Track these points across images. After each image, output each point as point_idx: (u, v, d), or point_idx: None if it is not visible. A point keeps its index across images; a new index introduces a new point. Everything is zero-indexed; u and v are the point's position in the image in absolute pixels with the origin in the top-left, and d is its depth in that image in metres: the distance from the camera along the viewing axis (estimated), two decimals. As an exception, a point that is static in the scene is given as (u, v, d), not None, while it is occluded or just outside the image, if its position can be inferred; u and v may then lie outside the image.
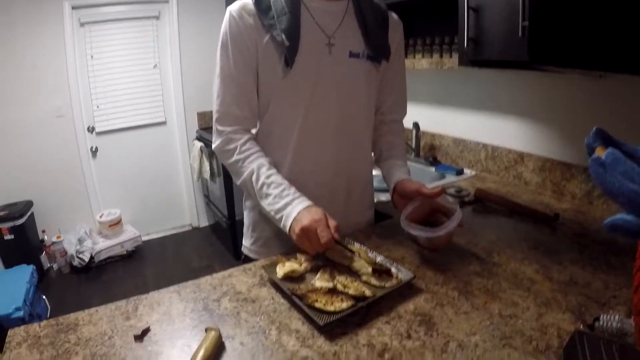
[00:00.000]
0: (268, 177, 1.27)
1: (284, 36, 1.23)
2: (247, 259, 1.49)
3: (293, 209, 1.20)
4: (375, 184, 1.64)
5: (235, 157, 1.30)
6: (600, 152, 0.81)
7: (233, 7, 1.28)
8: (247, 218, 1.54)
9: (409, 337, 0.95)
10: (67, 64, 3.96)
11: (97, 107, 4.20)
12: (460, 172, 2.23)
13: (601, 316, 0.91)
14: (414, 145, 2.58)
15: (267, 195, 1.26)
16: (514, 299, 1.08)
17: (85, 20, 4.02)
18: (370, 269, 1.14)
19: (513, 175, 2.08)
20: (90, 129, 4.23)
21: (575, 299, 1.07)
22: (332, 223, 1.17)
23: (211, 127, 1.38)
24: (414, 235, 1.24)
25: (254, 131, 1.40)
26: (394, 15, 1.46)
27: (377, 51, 1.38)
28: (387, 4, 1.47)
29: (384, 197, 1.60)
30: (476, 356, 0.90)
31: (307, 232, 1.14)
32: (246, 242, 1.55)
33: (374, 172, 1.59)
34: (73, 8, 3.92)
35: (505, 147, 2.11)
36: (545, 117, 1.96)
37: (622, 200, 0.67)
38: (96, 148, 4.29)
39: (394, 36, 1.44)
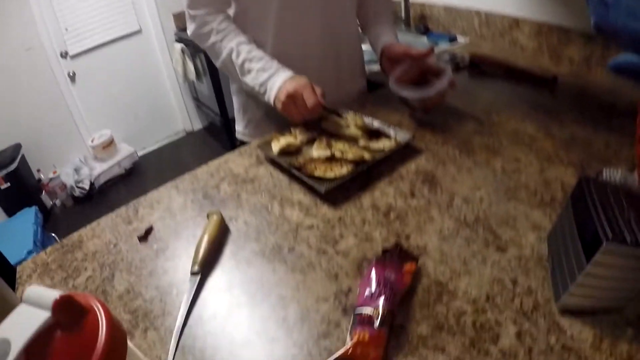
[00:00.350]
0: (249, 52, 1.22)
1: None
2: (242, 144, 1.45)
3: (277, 78, 1.17)
4: (366, 57, 1.56)
5: (212, 39, 1.24)
6: None
7: None
8: (236, 102, 1.50)
9: (413, 196, 0.94)
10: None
11: (66, 29, 3.93)
12: (453, 39, 2.13)
13: (604, 170, 0.90)
14: (403, 16, 2.45)
15: (250, 70, 1.21)
16: (516, 155, 1.06)
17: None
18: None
19: (508, 41, 2.00)
20: (64, 54, 3.99)
21: (577, 155, 1.05)
22: (317, 89, 1.13)
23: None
24: (404, 97, 1.20)
25: (229, 12, 1.31)
26: None
27: None
28: None
29: (376, 67, 1.53)
30: (482, 210, 0.88)
31: (294, 97, 1.12)
32: (239, 127, 1.51)
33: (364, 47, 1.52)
34: None
35: (499, 12, 2.01)
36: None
37: (626, 40, 0.62)
38: (73, 73, 4.08)
39: None
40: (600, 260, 0.58)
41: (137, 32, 4.29)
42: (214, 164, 1.19)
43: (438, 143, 1.13)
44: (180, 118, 4.83)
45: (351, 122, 1.18)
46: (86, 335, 0.40)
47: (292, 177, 1.04)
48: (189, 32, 1.30)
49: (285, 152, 1.10)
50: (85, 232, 1.01)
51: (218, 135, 4.31)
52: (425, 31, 2.30)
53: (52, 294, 0.39)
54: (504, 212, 0.87)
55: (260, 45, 1.28)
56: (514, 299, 0.69)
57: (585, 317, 0.65)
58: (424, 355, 0.62)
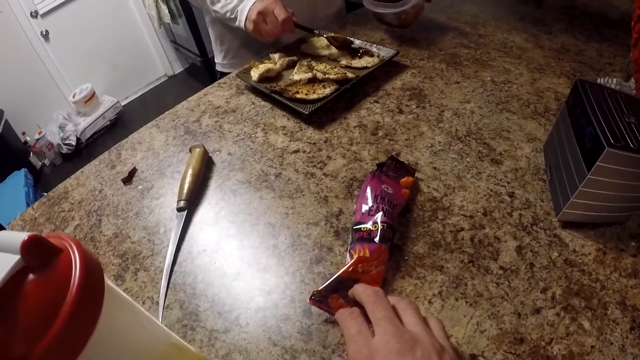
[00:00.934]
0: None
1: None
2: (223, 75, 1.40)
3: (247, 2, 1.12)
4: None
5: None
6: None
7: None
8: (212, 34, 1.44)
9: (400, 112, 0.90)
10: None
11: None
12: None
13: (599, 79, 0.87)
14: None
15: None
16: (505, 66, 1.02)
17: None
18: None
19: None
20: (34, 14, 3.82)
21: (569, 65, 1.02)
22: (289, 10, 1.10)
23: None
24: (380, 13, 1.16)
25: None
26: None
27: None
28: None
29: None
30: (474, 122, 0.85)
31: (264, 14, 1.08)
32: (217, 59, 1.47)
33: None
34: None
35: None
36: None
37: None
38: (46, 31, 3.93)
39: None
40: (602, 166, 0.55)
41: (107, -19, 4.12)
42: (193, 98, 1.14)
43: (424, 58, 1.08)
44: (160, 63, 4.70)
45: (331, 42, 1.12)
46: (59, 276, 0.37)
47: (275, 102, 1.00)
48: None
49: (266, 78, 1.05)
50: (70, 182, 0.98)
51: (200, 76, 4.21)
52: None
53: (20, 236, 0.35)
54: (496, 124, 0.84)
55: None
56: (512, 213, 0.67)
57: (588, 230, 0.63)
58: (422, 275, 0.60)
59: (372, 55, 1.04)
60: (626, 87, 0.84)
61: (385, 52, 1.05)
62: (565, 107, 0.67)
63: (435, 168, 0.77)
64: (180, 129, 1.02)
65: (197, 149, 0.87)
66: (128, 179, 0.91)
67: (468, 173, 0.75)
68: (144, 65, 4.58)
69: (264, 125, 0.95)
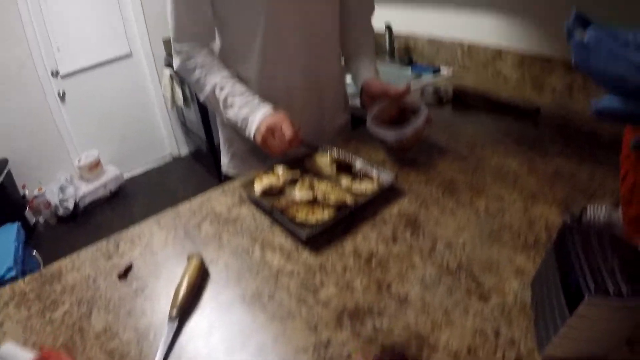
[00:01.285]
0: (232, 87, 1.23)
1: None
2: (228, 178, 1.46)
3: (257, 113, 1.18)
4: (350, 90, 1.57)
5: (197, 73, 1.25)
6: (582, 36, 0.75)
7: None
8: (221, 135, 1.50)
9: (395, 241, 0.93)
10: (19, 9, 3.66)
11: (58, 49, 3.94)
12: (437, 71, 2.15)
13: (588, 207, 0.89)
14: (387, 48, 2.47)
15: (232, 105, 1.22)
16: (500, 193, 1.06)
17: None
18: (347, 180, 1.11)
19: (491, 73, 2.01)
20: (55, 73, 3.99)
21: (562, 190, 1.05)
22: (295, 123, 1.14)
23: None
24: (381, 137, 1.21)
25: (214, 46, 1.33)
26: None
27: None
28: None
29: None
30: (465, 255, 0.88)
31: (272, 130, 1.14)
32: (224, 160, 1.52)
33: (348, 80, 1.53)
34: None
35: (482, 43, 2.03)
36: (521, 10, 1.86)
37: (609, 83, 0.62)
38: (64, 92, 4.08)
39: None
40: (583, 312, 0.57)
41: (128, 56, 4.29)
42: (197, 201, 1.18)
43: (421, 183, 1.12)
44: (168, 143, 4.80)
45: (333, 161, 1.17)
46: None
47: (275, 219, 1.03)
48: (175, 65, 1.31)
49: (268, 192, 1.09)
50: (65, 263, 1.00)
51: (204, 161, 4.28)
52: (410, 63, 2.32)
53: (27, 356, 0.38)
54: (487, 257, 0.87)
55: (245, 80, 1.29)
56: (496, 351, 0.68)
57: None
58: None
59: (372, 179, 1.09)
60: (615, 215, 0.87)
61: (385, 177, 1.09)
62: (552, 248, 0.71)
63: (424, 302, 0.78)
64: (180, 231, 1.05)
65: (195, 260, 0.89)
66: (124, 275, 0.93)
67: (456, 309, 0.76)
68: (152, 143, 4.67)
69: (262, 241, 0.98)
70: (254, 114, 1.19)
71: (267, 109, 1.19)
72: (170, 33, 1.27)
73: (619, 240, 0.65)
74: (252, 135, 1.19)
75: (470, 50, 2.09)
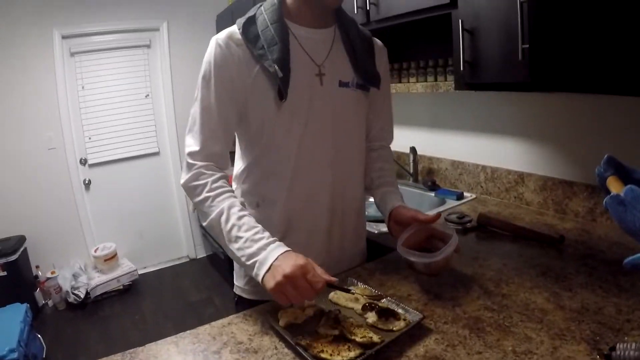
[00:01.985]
0: (239, 218, 1.14)
1: (276, 67, 1.18)
2: (241, 300, 1.44)
3: (269, 254, 1.07)
4: (371, 212, 1.60)
5: (204, 195, 1.18)
6: (615, 185, 0.78)
7: (220, 36, 1.23)
8: None
9: (421, 385, 0.91)
10: (57, 95, 3.94)
11: (89, 138, 4.16)
12: (460, 197, 2.20)
13: (617, 345, 0.88)
14: (411, 170, 2.55)
15: (238, 238, 1.12)
16: (527, 333, 1.03)
17: (76, 50, 4.02)
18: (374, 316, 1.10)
19: (514, 197, 2.05)
20: (83, 161, 4.19)
21: (589, 327, 1.03)
22: (318, 268, 1.05)
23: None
24: (411, 261, 1.22)
25: (241, 163, 1.37)
26: (378, 41, 1.45)
27: (367, 79, 1.35)
28: (381, 27, 1.45)
29: (383, 227, 1.57)
30: (494, 402, 0.86)
31: (293, 279, 1.00)
32: (239, 282, 1.48)
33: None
34: (63, 37, 3.92)
35: (505, 167, 2.09)
36: (543, 136, 1.93)
37: None
38: (89, 180, 4.24)
39: (380, 62, 1.42)
40: None
41: (155, 154, 4.49)
42: (217, 324, 1.16)
43: (447, 322, 1.10)
44: (185, 244, 4.85)
45: (360, 296, 1.17)
46: None
47: (298, 353, 1.00)
48: (182, 180, 1.24)
49: (292, 323, 1.08)
50: None
51: (220, 267, 4.28)
52: (433, 186, 2.37)
53: None
54: (515, 411, 0.85)
55: (272, 201, 1.31)
56: None
57: None
58: None
59: (398, 318, 1.07)
60: None
61: (412, 315, 1.09)
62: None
63: None
64: (198, 356, 1.03)
65: None
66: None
67: None
68: (170, 242, 4.74)
69: None
70: (264, 254, 1.07)
71: (281, 249, 1.08)
72: (186, 145, 1.24)
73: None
74: (260, 278, 1.06)
75: (493, 174, 2.14)
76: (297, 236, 1.32)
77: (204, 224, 1.21)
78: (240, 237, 1.12)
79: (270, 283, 1.03)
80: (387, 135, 1.57)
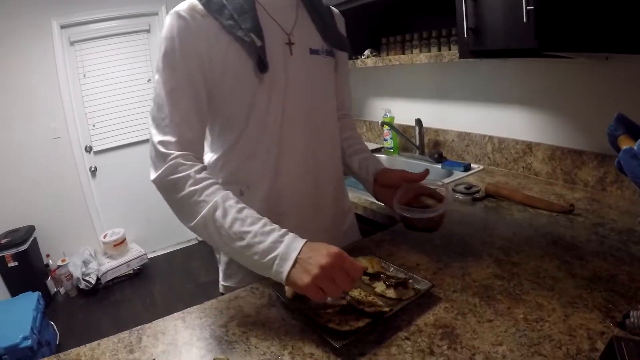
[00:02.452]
0: (239, 210, 1.01)
1: (253, 36, 1.09)
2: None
3: (289, 247, 0.95)
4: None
5: (188, 189, 1.02)
6: (627, 142, 0.75)
7: (180, 7, 1.10)
8: (218, 254, 1.43)
9: (431, 353, 0.89)
10: (59, 85, 3.94)
11: (93, 126, 4.18)
12: (467, 168, 2.17)
13: (630, 313, 0.87)
14: (417, 142, 2.51)
15: (244, 234, 0.97)
16: (538, 301, 1.02)
17: (75, 39, 4.01)
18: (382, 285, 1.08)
19: (522, 167, 2.02)
20: (88, 149, 4.21)
21: (601, 295, 1.01)
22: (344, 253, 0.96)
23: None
24: (411, 219, 1.22)
25: (222, 145, 1.25)
26: (335, 9, 1.40)
27: (337, 45, 1.31)
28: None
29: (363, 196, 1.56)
30: (504, 369, 0.84)
31: (330, 271, 0.90)
32: (228, 282, 1.37)
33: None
34: (62, 27, 3.92)
35: (512, 138, 2.06)
36: (551, 105, 1.90)
37: None
38: (95, 168, 4.27)
39: (341, 29, 1.38)
40: None
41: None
42: (224, 299, 1.15)
43: (457, 290, 1.09)
44: (194, 226, 4.86)
45: (368, 265, 1.15)
46: None
47: (306, 324, 1.00)
48: (152, 175, 1.08)
49: (300, 295, 1.05)
50: (84, 350, 0.97)
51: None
52: (439, 158, 2.35)
53: None
54: (528, 371, 0.83)
55: (257, 185, 1.23)
56: None
57: None
58: None
59: (406, 287, 1.06)
60: None
61: (421, 284, 1.07)
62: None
63: None
64: (206, 331, 1.02)
65: None
66: (145, 373, 0.88)
67: None
68: (178, 225, 4.65)
69: (292, 348, 0.94)
70: (281, 248, 0.95)
71: (301, 240, 0.97)
72: (153, 135, 1.09)
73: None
74: (284, 276, 0.94)
75: (500, 145, 2.11)
76: (288, 221, 1.16)
77: (190, 224, 1.05)
78: (247, 232, 0.97)
79: (303, 279, 0.91)
80: (348, 104, 1.52)
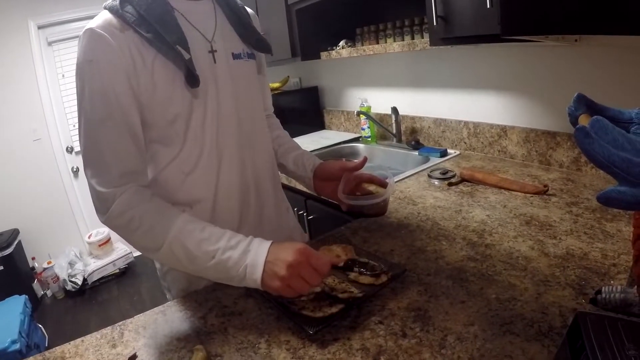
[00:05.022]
0: (202, 230, 0.98)
1: (180, 48, 1.01)
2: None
3: (256, 253, 0.95)
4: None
5: (148, 222, 0.98)
6: (585, 121, 0.76)
7: (95, 24, 0.99)
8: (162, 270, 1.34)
9: (404, 335, 0.91)
10: (38, 86, 3.90)
11: (74, 126, 4.12)
12: (444, 154, 2.20)
13: (603, 289, 0.88)
14: (394, 130, 2.53)
15: (212, 252, 0.95)
16: (510, 281, 1.04)
17: (53, 39, 3.98)
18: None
19: (498, 150, 2.04)
20: (69, 149, 4.18)
21: (574, 272, 1.03)
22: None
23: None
24: (360, 206, 1.25)
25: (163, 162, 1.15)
26: (249, 9, 1.35)
27: (258, 47, 1.27)
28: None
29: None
30: (476, 348, 0.85)
31: (298, 268, 0.91)
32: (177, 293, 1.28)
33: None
34: (39, 27, 3.88)
35: (487, 122, 2.08)
36: (524, 88, 1.92)
37: (613, 170, 0.63)
38: (77, 168, 4.24)
39: (258, 29, 1.33)
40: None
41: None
42: (202, 292, 1.17)
43: (430, 273, 1.11)
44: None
45: (341, 254, 1.16)
46: None
47: (281, 312, 1.01)
48: (103, 218, 1.02)
49: None
50: (68, 348, 0.99)
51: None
52: (417, 145, 2.36)
53: None
54: (499, 350, 0.84)
55: (201, 201, 1.17)
56: None
57: None
58: None
59: (380, 272, 1.06)
60: (630, 294, 0.85)
61: (394, 269, 1.09)
62: (566, 337, 0.69)
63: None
64: (185, 323, 1.04)
65: (200, 354, 0.88)
66: (128, 366, 0.91)
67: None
68: None
69: (268, 336, 0.95)
70: (249, 256, 0.95)
71: (265, 243, 0.96)
72: (90, 178, 1.01)
73: (633, 325, 0.64)
74: (258, 283, 0.94)
75: (475, 130, 2.13)
76: (243, 231, 1.10)
77: (156, 254, 1.00)
78: (215, 250, 0.95)
79: (273, 282, 0.92)
80: (269, 104, 1.50)
